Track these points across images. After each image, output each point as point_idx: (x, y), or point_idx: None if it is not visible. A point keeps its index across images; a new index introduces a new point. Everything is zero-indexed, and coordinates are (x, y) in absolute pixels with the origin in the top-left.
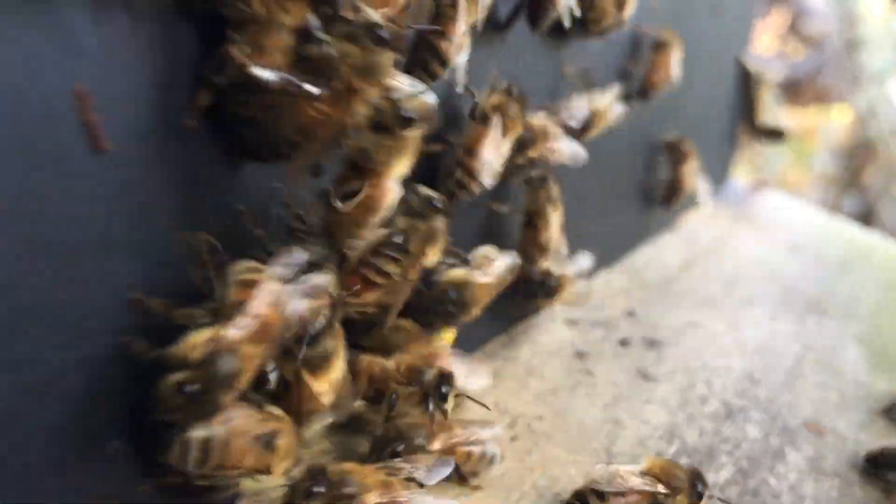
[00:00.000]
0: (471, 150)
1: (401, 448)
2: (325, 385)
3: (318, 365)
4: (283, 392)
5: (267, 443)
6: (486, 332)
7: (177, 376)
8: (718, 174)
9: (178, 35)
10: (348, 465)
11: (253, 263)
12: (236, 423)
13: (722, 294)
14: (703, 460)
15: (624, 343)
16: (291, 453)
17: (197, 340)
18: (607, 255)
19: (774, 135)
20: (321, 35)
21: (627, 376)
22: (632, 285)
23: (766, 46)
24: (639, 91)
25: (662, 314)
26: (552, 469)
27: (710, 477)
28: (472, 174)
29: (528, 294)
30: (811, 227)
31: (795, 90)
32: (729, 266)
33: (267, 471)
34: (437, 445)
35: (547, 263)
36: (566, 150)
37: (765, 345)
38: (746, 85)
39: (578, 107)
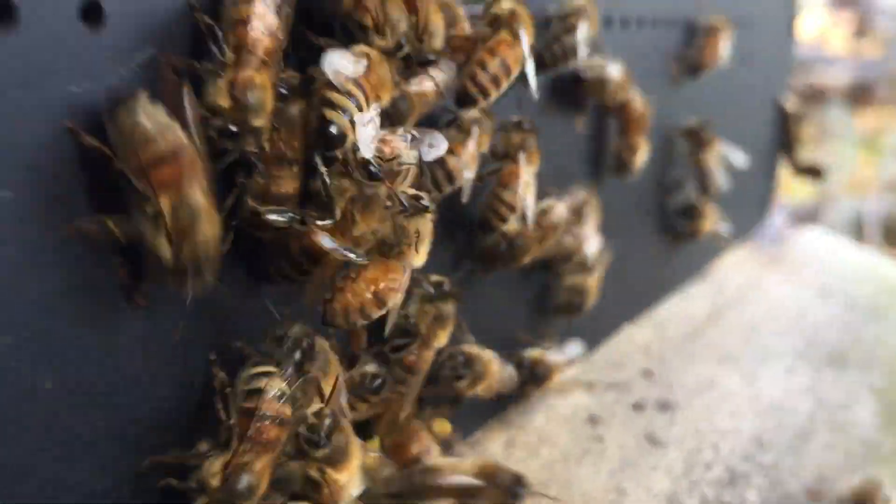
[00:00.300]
0: (506, 186)
1: None
2: (347, 476)
3: (338, 459)
4: (312, 492)
5: None
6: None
7: (201, 501)
8: (757, 213)
9: None
10: None
11: (252, 383)
12: None
13: (742, 347)
14: None
15: (637, 407)
16: None
17: (214, 468)
18: (633, 308)
19: (813, 173)
20: (322, 170)
21: (637, 441)
22: (653, 340)
23: (837, 47)
24: (689, 71)
25: (679, 373)
26: None
27: None
28: (511, 208)
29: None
30: (844, 268)
31: (864, 92)
32: (753, 315)
33: None
34: None
35: (538, 352)
36: None
37: (777, 403)
38: (785, 124)
39: None
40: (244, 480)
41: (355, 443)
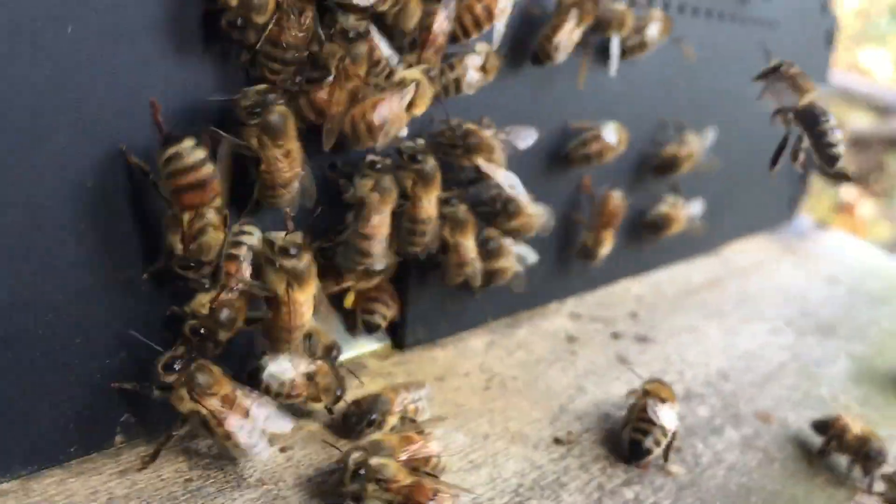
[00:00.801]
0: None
1: (374, 417)
2: (307, 296)
3: (301, 278)
4: (272, 309)
5: None
6: (491, 310)
7: (191, 323)
8: (784, 212)
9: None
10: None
11: (237, 237)
12: None
13: (732, 309)
14: None
15: (615, 336)
16: None
17: (204, 300)
18: (633, 266)
19: (840, 177)
20: (322, 37)
21: (607, 359)
22: (648, 293)
23: None
24: None
25: (664, 319)
26: (510, 412)
27: None
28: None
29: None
30: (859, 263)
31: None
32: (754, 288)
33: None
34: (396, 409)
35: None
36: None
37: (753, 352)
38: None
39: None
40: (225, 313)
41: (315, 276)
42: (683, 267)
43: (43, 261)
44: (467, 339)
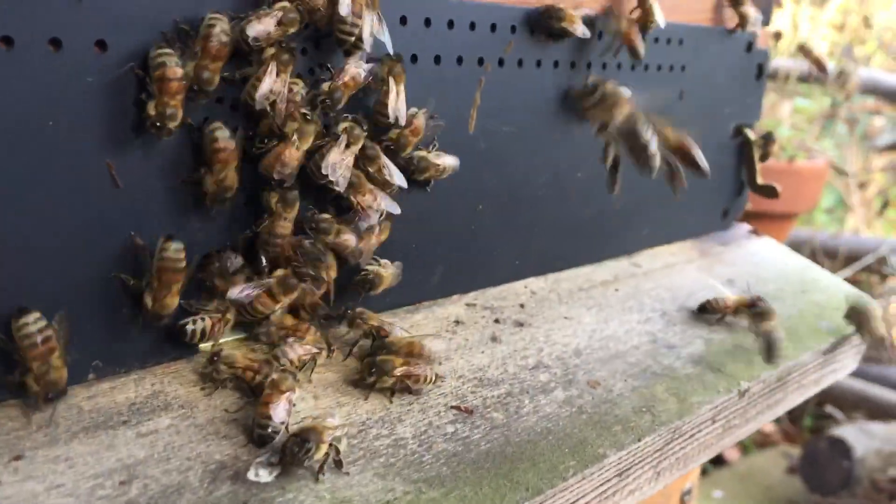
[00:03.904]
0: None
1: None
2: None
3: None
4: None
5: None
6: (397, 299)
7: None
8: (716, 222)
9: None
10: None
11: None
12: None
13: (618, 302)
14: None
15: (498, 321)
16: None
17: None
18: (539, 266)
19: (768, 192)
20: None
21: (481, 338)
22: (545, 288)
23: None
24: None
25: (548, 309)
26: None
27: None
28: None
29: None
30: (769, 268)
31: None
32: (649, 286)
33: None
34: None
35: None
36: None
37: (615, 335)
38: (748, 149)
39: None
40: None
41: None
42: (590, 268)
43: None
44: None
